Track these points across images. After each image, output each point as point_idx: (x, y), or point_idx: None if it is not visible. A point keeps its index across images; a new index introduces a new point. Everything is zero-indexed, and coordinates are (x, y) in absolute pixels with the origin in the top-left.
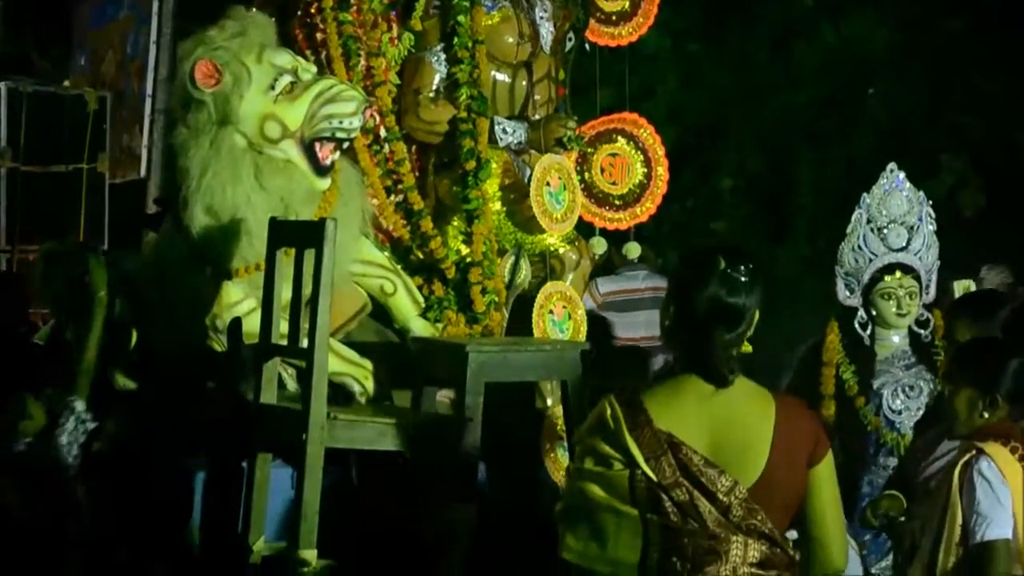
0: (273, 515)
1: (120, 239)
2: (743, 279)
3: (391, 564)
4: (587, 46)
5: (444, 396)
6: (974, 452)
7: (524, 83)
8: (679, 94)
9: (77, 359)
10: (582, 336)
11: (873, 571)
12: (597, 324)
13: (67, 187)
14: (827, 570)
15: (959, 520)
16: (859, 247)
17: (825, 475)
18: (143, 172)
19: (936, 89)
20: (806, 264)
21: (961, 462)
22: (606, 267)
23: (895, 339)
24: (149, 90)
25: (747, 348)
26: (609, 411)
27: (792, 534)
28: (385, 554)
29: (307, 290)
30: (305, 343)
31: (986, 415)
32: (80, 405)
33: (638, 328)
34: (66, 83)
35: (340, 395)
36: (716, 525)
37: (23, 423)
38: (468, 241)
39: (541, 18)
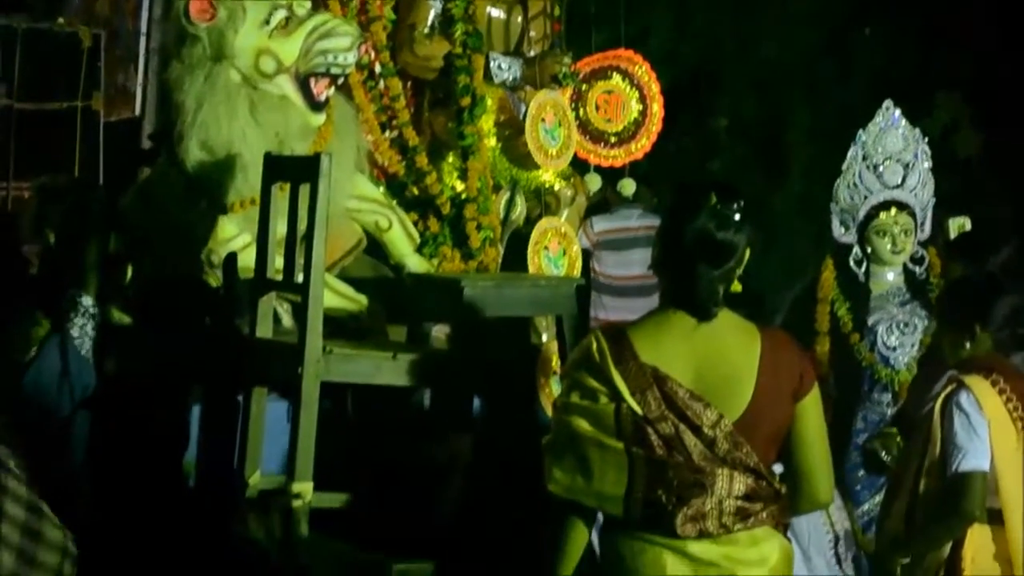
0: (269, 449)
1: (114, 178)
2: (734, 216)
3: (386, 496)
4: None
5: (439, 331)
6: (955, 384)
7: (519, 19)
8: (674, 37)
9: (79, 263)
10: (577, 272)
11: (865, 507)
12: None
13: (61, 125)
14: (813, 503)
15: (938, 451)
16: (854, 184)
17: (811, 408)
18: (138, 111)
19: (932, 29)
20: (801, 203)
21: (943, 394)
22: (601, 206)
23: (890, 276)
24: (144, 28)
25: (736, 287)
26: (595, 345)
27: (779, 467)
28: (380, 487)
29: (302, 225)
30: (300, 278)
31: (968, 347)
32: (87, 300)
33: (632, 266)
34: (60, 20)
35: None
36: (701, 458)
37: (34, 329)
38: (463, 177)
39: None
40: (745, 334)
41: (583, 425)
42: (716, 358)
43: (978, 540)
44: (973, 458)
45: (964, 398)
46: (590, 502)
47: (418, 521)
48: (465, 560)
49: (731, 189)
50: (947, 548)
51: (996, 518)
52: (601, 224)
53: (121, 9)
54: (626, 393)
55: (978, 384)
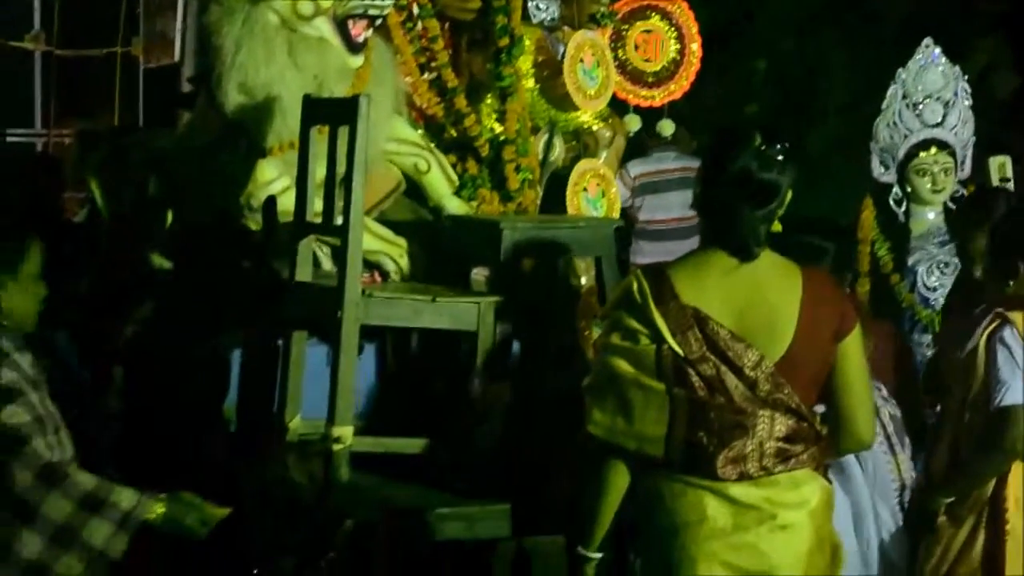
0: (309, 392)
1: (154, 125)
2: (776, 156)
3: (428, 438)
4: None
5: (479, 274)
6: (1000, 320)
7: None
8: None
9: None
10: (616, 213)
11: None
12: None
13: (101, 71)
14: (857, 444)
15: (981, 387)
16: (894, 123)
17: (853, 349)
18: (177, 57)
19: None
20: (838, 144)
21: (987, 330)
22: (637, 150)
23: (930, 216)
24: None
25: (777, 227)
26: (636, 285)
27: (820, 408)
28: (421, 430)
29: (341, 168)
30: (340, 221)
31: (1012, 284)
32: None
33: (671, 209)
34: None
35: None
36: (743, 399)
37: None
38: (501, 119)
39: None
40: (787, 275)
41: (624, 366)
42: (757, 299)
43: (1021, 478)
44: (1016, 392)
45: (1008, 333)
46: (630, 444)
47: (457, 464)
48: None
49: (774, 131)
50: (990, 487)
51: None
52: (637, 168)
53: None
54: (667, 334)
55: (1020, 319)
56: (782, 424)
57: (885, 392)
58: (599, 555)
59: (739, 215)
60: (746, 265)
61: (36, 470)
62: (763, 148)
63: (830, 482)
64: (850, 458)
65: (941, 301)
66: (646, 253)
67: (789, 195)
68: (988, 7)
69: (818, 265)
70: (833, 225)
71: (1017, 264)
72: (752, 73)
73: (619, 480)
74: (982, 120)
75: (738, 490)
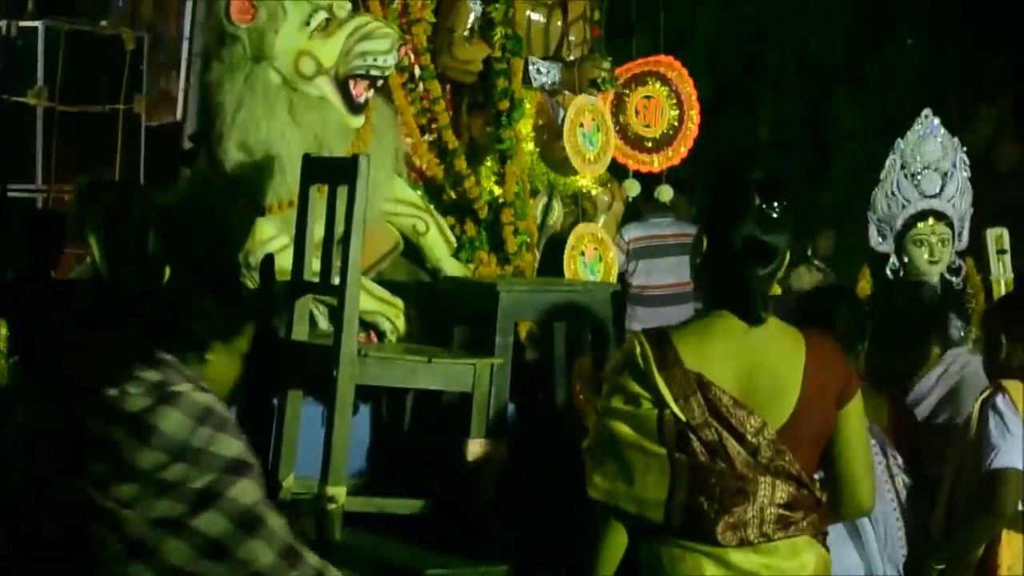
0: (304, 450)
1: (156, 182)
2: (776, 215)
3: (423, 498)
4: None
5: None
6: (993, 388)
7: (559, 23)
8: (716, 41)
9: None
10: (613, 278)
11: None
12: None
13: (103, 128)
14: (857, 509)
15: (974, 453)
16: (892, 193)
17: (854, 415)
18: (179, 116)
19: (976, 39)
20: (845, 210)
21: (982, 398)
22: (633, 215)
23: None
24: (187, 33)
25: (776, 290)
26: (639, 349)
27: (818, 475)
28: (417, 489)
29: (339, 228)
30: (337, 280)
31: (1002, 357)
32: None
33: (666, 274)
34: (103, 23)
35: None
36: (744, 466)
37: None
38: (501, 181)
39: None
40: (790, 340)
41: (625, 430)
42: (760, 364)
43: (1013, 546)
44: (1007, 456)
45: (1000, 400)
46: (630, 508)
47: (453, 523)
48: (502, 559)
49: (772, 183)
50: (981, 548)
51: None
52: (633, 232)
53: (165, 13)
54: (669, 399)
55: (1016, 387)
56: (783, 491)
57: (900, 460)
58: None
59: (745, 278)
60: (750, 330)
61: (278, 550)
62: (763, 207)
63: (827, 550)
64: (864, 521)
65: None
66: (640, 319)
67: (788, 255)
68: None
69: (829, 331)
70: (848, 294)
71: (999, 337)
72: (756, 139)
73: (618, 543)
74: (983, 191)
75: (737, 556)
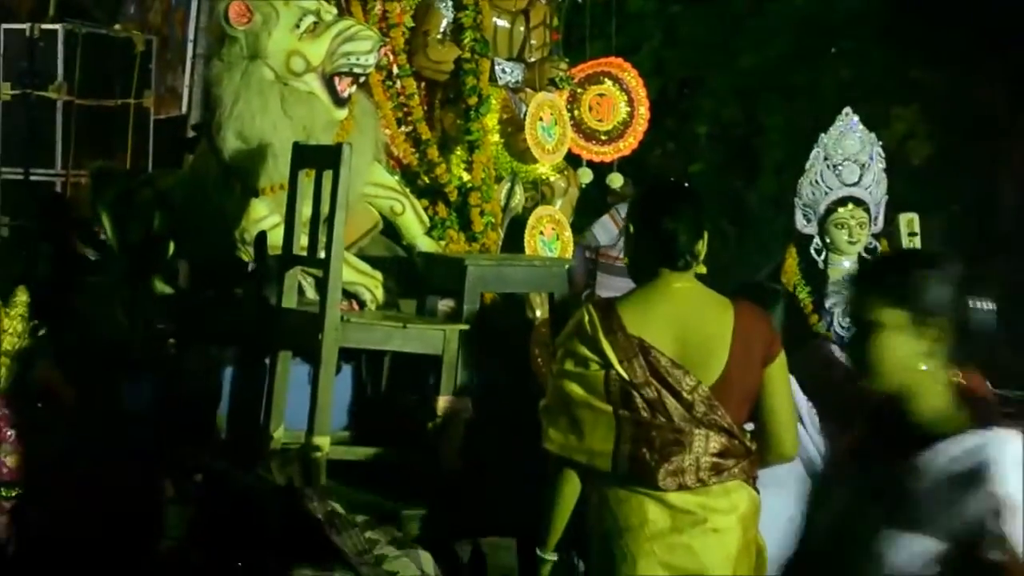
0: (292, 405)
1: (161, 169)
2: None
3: (397, 448)
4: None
5: (445, 305)
6: None
7: (522, 28)
8: (662, 50)
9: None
10: (568, 254)
11: None
12: None
13: (116, 120)
14: (778, 457)
15: None
16: (816, 181)
17: (778, 373)
18: (184, 109)
19: (892, 48)
20: (774, 202)
21: None
22: (587, 199)
23: (846, 264)
24: (191, 36)
25: (701, 269)
26: (587, 318)
27: (749, 426)
28: (392, 440)
29: (325, 208)
30: (323, 255)
31: None
32: None
33: None
34: (116, 27)
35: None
36: (681, 420)
37: None
38: (469, 168)
39: None
40: (720, 307)
41: (576, 390)
42: (694, 329)
43: None
44: None
45: None
46: (581, 458)
47: (423, 470)
48: (463, 506)
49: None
50: None
51: None
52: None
53: (171, 18)
54: (615, 361)
55: None
56: (716, 441)
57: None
58: (555, 557)
59: (671, 233)
60: (684, 298)
61: None
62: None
63: (758, 492)
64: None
65: None
66: (619, 289)
67: (706, 230)
68: (909, 81)
69: (772, 306)
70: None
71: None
72: (697, 136)
73: (571, 489)
74: (898, 181)
75: (676, 498)
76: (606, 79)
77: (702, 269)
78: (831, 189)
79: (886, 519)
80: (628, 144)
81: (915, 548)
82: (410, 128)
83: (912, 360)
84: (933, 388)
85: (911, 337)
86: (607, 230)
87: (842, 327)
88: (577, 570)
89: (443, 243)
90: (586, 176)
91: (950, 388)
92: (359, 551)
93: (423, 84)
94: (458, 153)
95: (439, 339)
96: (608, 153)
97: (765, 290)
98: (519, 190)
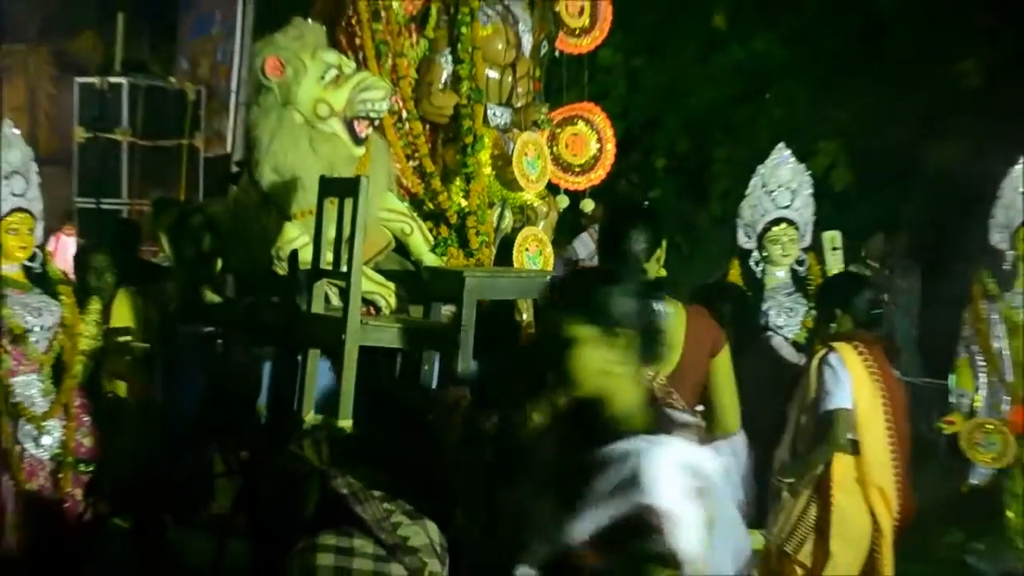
0: (319, 395)
1: (209, 197)
2: (643, 225)
3: (404, 430)
4: (557, 54)
5: (446, 310)
6: (827, 349)
7: (510, 79)
8: (626, 96)
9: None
10: (550, 267)
11: None
12: None
13: (171, 158)
14: (724, 431)
15: (812, 397)
16: (755, 204)
17: (722, 363)
18: (228, 148)
19: (816, 92)
20: (720, 222)
21: (818, 357)
22: (565, 221)
23: (780, 274)
24: (234, 86)
25: (662, 272)
26: None
27: (699, 407)
28: (400, 423)
29: (347, 230)
30: (344, 268)
31: (834, 327)
32: None
33: None
34: (172, 79)
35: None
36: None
37: None
38: (466, 196)
39: (523, 30)
40: (674, 310)
41: None
42: None
43: (842, 465)
44: (838, 399)
45: (833, 357)
46: None
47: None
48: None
49: (635, 211)
50: (819, 470)
51: (856, 449)
52: None
53: (217, 72)
54: None
55: (844, 348)
56: None
57: None
58: None
59: (629, 253)
60: None
61: None
62: (640, 215)
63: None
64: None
65: (788, 335)
66: None
67: (663, 245)
68: (832, 120)
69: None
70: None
71: (834, 311)
72: (655, 169)
73: None
74: (823, 205)
75: None
76: (580, 121)
77: (662, 273)
78: (767, 211)
79: (562, 504)
80: (598, 175)
81: (580, 535)
82: (417, 162)
83: (605, 367)
84: (625, 391)
85: (602, 347)
86: (586, 245)
87: (776, 325)
88: None
89: (445, 259)
90: (563, 202)
91: (642, 390)
92: (378, 519)
93: (427, 126)
94: (457, 183)
95: (443, 338)
96: (581, 183)
97: (725, 287)
98: (508, 214)
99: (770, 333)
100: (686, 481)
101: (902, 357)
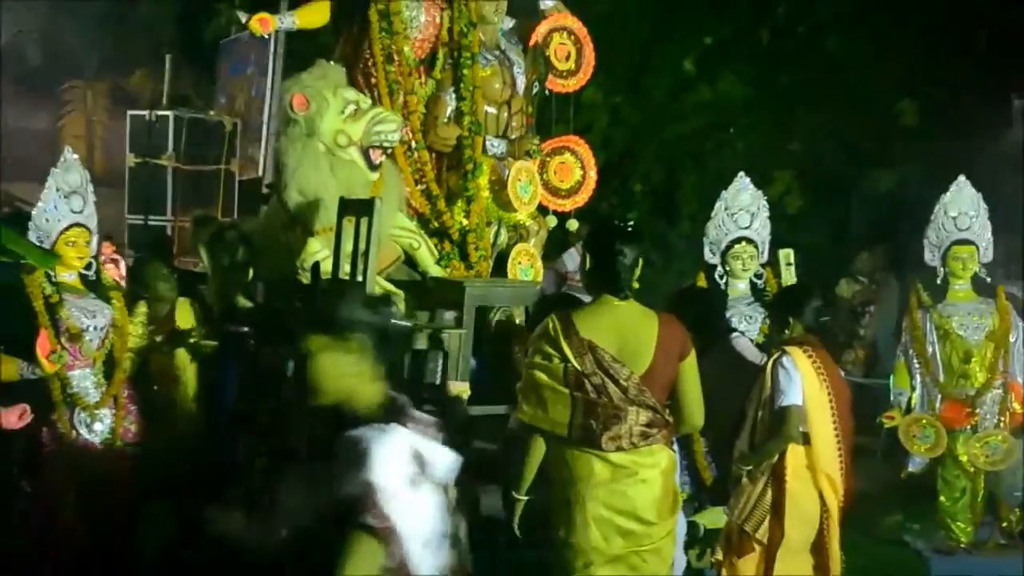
0: None
1: (243, 215)
2: (631, 238)
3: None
4: (547, 92)
5: (449, 315)
6: (780, 352)
7: (506, 114)
8: (608, 130)
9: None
10: (539, 279)
11: None
12: None
13: (210, 181)
14: (689, 427)
15: (768, 394)
16: (719, 225)
17: (690, 366)
18: (260, 173)
19: (773, 127)
20: (689, 240)
21: (773, 359)
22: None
23: (741, 286)
24: (266, 119)
25: (635, 284)
26: (551, 325)
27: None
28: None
29: (362, 245)
30: (360, 278)
31: (787, 332)
32: None
33: None
34: (211, 112)
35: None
36: (619, 400)
37: None
38: (467, 216)
39: (517, 72)
40: (648, 318)
41: (542, 377)
42: (629, 334)
43: (795, 455)
44: (791, 397)
45: (785, 360)
46: (546, 426)
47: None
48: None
49: (623, 228)
50: (775, 459)
51: (807, 440)
52: None
53: (252, 106)
54: (571, 357)
55: (795, 352)
56: (644, 416)
57: None
58: (526, 498)
59: (616, 269)
60: (622, 311)
61: None
62: (623, 235)
63: (675, 452)
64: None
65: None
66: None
67: (641, 261)
68: (787, 151)
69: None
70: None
71: (787, 319)
72: (633, 193)
73: (538, 449)
74: (777, 225)
75: (615, 456)
76: (566, 151)
77: (635, 284)
78: (730, 231)
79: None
80: (582, 198)
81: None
82: (424, 186)
83: (342, 371)
84: (363, 390)
85: (339, 354)
86: (573, 259)
87: (738, 331)
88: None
89: (448, 270)
90: (552, 222)
91: (379, 386)
92: None
93: (434, 154)
94: (459, 205)
95: (446, 340)
96: (567, 205)
97: (698, 290)
98: (504, 232)
99: (737, 334)
100: (408, 467)
101: (852, 358)
